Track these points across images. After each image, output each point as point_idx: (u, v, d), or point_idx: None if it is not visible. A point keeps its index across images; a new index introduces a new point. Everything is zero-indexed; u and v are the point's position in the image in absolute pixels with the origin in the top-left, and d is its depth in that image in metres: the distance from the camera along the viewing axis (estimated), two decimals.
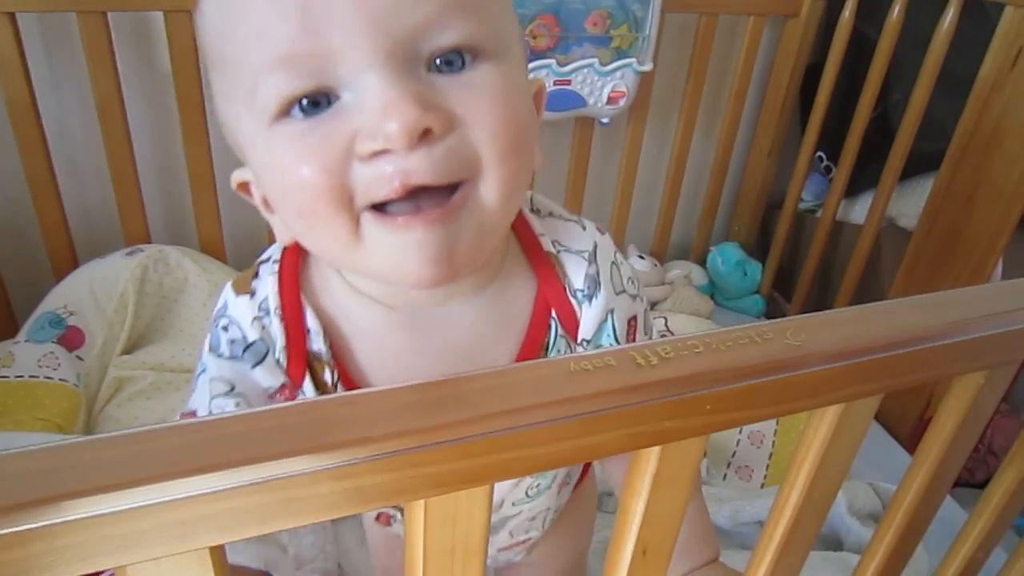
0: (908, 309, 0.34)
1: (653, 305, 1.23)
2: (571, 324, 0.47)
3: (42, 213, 0.96)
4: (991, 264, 0.98)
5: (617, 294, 0.48)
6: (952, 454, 0.41)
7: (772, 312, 1.35)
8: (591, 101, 1.05)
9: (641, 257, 1.27)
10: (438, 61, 0.35)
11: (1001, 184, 0.95)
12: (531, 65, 1.00)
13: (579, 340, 0.47)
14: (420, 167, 0.34)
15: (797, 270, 1.30)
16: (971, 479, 1.13)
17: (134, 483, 0.22)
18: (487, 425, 0.25)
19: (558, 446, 0.27)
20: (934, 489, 0.42)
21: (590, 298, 0.47)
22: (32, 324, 0.90)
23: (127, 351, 0.93)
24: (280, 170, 0.36)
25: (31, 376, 0.85)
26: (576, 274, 0.47)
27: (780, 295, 1.37)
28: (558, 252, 0.47)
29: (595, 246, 0.48)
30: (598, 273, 0.47)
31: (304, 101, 0.34)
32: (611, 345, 0.48)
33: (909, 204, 1.16)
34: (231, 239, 1.07)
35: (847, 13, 1.13)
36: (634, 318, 0.49)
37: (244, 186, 0.43)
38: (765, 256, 1.34)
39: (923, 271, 1.06)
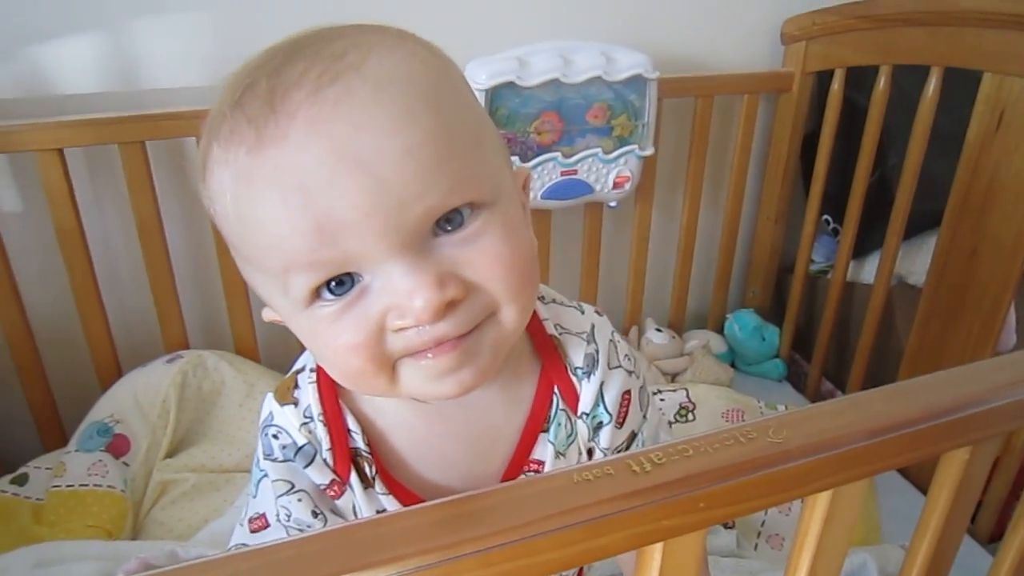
0: (883, 399, 0.37)
1: (674, 377, 1.26)
2: (572, 399, 0.52)
3: (88, 326, 1.02)
4: (1000, 316, 1.00)
5: (611, 368, 0.53)
6: (950, 525, 0.43)
7: (794, 375, 1.37)
8: (598, 188, 1.11)
9: (659, 330, 1.30)
10: (440, 221, 0.38)
11: (1001, 238, 0.98)
12: (538, 159, 1.05)
13: (579, 413, 0.52)
14: (448, 330, 0.39)
15: (814, 332, 1.32)
16: None
17: None
18: (502, 537, 0.29)
19: (567, 550, 0.30)
20: (939, 558, 0.44)
21: (588, 375, 0.52)
22: (81, 433, 0.95)
23: (170, 455, 0.98)
24: (322, 343, 0.41)
25: (81, 485, 0.90)
26: (576, 354, 0.53)
27: (800, 357, 1.39)
28: (560, 335, 0.53)
29: (592, 327, 0.54)
30: (597, 351, 0.53)
31: (332, 283, 0.38)
32: (607, 418, 0.53)
33: (916, 262, 1.19)
34: (264, 339, 1.12)
35: (836, 85, 1.18)
36: (628, 392, 0.54)
37: (274, 321, 0.47)
38: (781, 320, 1.36)
39: (936, 326, 1.08)
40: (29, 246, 1.01)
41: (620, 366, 0.53)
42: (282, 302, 0.41)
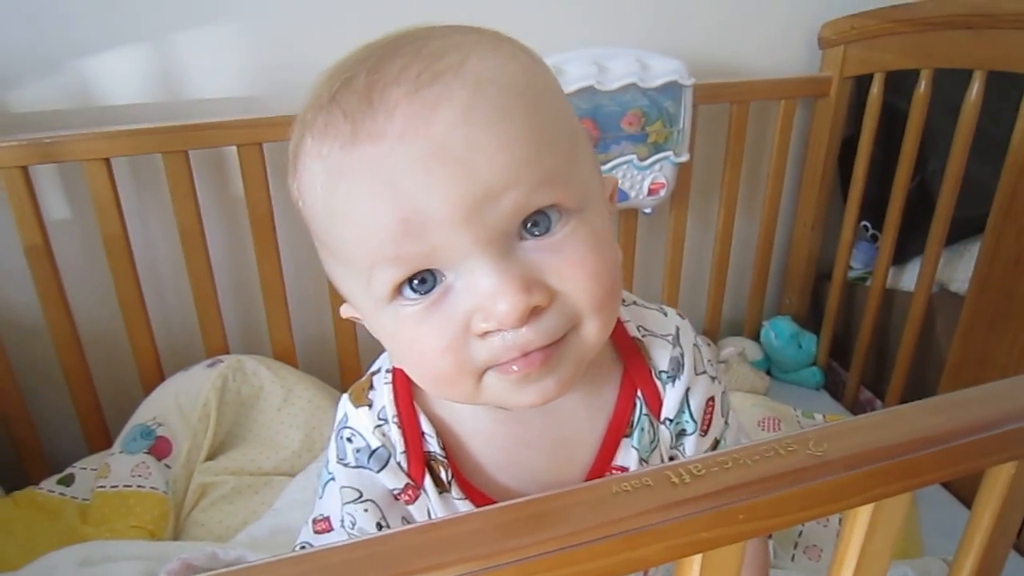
0: (926, 412, 0.37)
1: None
2: (655, 404, 0.51)
3: (132, 331, 1.04)
4: None
5: (698, 374, 0.52)
6: (996, 540, 0.42)
7: (831, 383, 1.35)
8: (632, 194, 1.11)
9: None
10: (527, 224, 0.38)
11: None
12: None
13: (662, 419, 0.51)
14: (533, 338, 0.38)
15: (852, 340, 1.30)
16: None
17: None
18: (542, 547, 0.29)
19: (606, 561, 0.30)
20: (984, 575, 0.43)
21: (673, 379, 0.51)
22: (125, 436, 0.97)
23: (210, 458, 0.99)
24: (405, 342, 0.41)
25: (125, 486, 0.92)
26: (661, 357, 0.51)
27: (838, 365, 1.37)
28: (643, 337, 0.52)
29: (677, 330, 0.53)
30: (682, 355, 0.51)
31: (415, 281, 0.38)
32: (691, 426, 0.52)
33: (959, 269, 1.16)
34: (301, 345, 1.14)
35: (875, 90, 1.17)
36: (712, 399, 0.53)
37: (353, 318, 0.47)
38: (818, 327, 1.34)
39: (978, 335, 1.06)
40: (76, 252, 1.04)
41: (705, 372, 0.52)
42: (364, 299, 0.41)
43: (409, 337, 0.40)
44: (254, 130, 0.98)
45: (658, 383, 0.51)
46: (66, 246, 1.01)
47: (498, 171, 0.36)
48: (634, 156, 1.08)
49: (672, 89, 1.06)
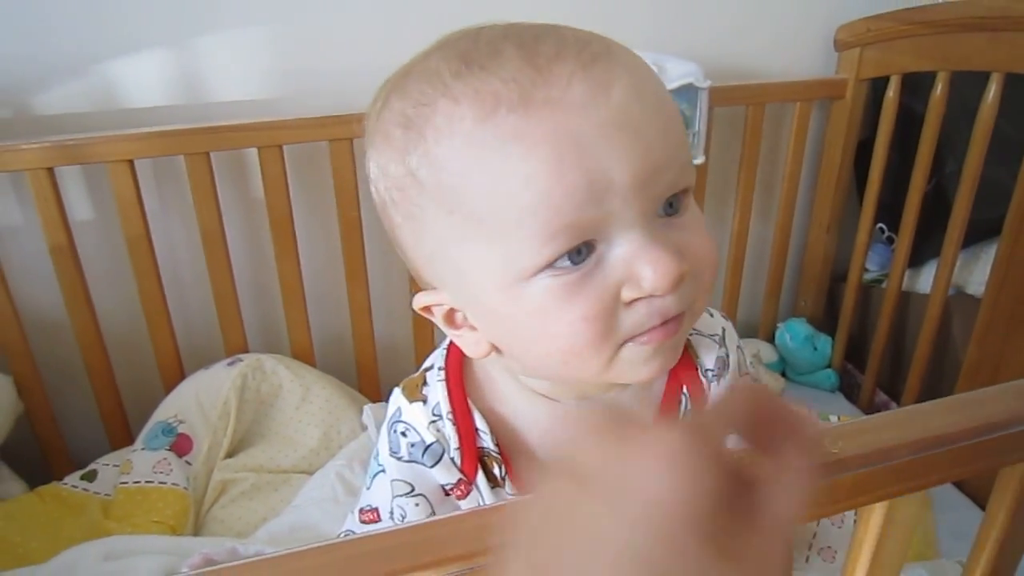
0: (941, 411, 0.37)
1: None
2: (699, 401, 0.52)
3: (153, 331, 1.06)
4: None
5: (741, 375, 0.54)
6: (1009, 541, 0.42)
7: (847, 386, 1.35)
8: None
9: None
10: (666, 204, 0.40)
11: None
12: None
13: None
14: (675, 305, 0.40)
15: (868, 342, 1.30)
16: None
17: None
18: None
19: None
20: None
21: (719, 378, 0.53)
22: (147, 433, 0.99)
23: (230, 455, 1.01)
24: (545, 315, 0.40)
25: (147, 481, 0.94)
26: (708, 356, 0.53)
27: (853, 367, 1.37)
28: (691, 335, 0.53)
29: (723, 331, 0.54)
30: (727, 355, 0.53)
31: (576, 252, 0.39)
32: None
33: (976, 271, 1.16)
34: (319, 344, 1.15)
35: (891, 92, 1.17)
36: None
37: (427, 308, 0.47)
38: (834, 330, 1.34)
39: (995, 338, 1.06)
40: (99, 252, 1.06)
41: (748, 373, 0.55)
42: (500, 274, 0.40)
43: (555, 308, 0.39)
44: (274, 132, 1.00)
45: (704, 381, 0.53)
46: (89, 246, 1.03)
47: (665, 148, 0.38)
48: None
49: (688, 92, 1.06)
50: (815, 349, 1.31)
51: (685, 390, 0.52)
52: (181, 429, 0.99)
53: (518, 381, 0.50)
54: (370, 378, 1.17)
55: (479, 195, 0.38)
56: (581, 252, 0.39)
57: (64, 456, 1.07)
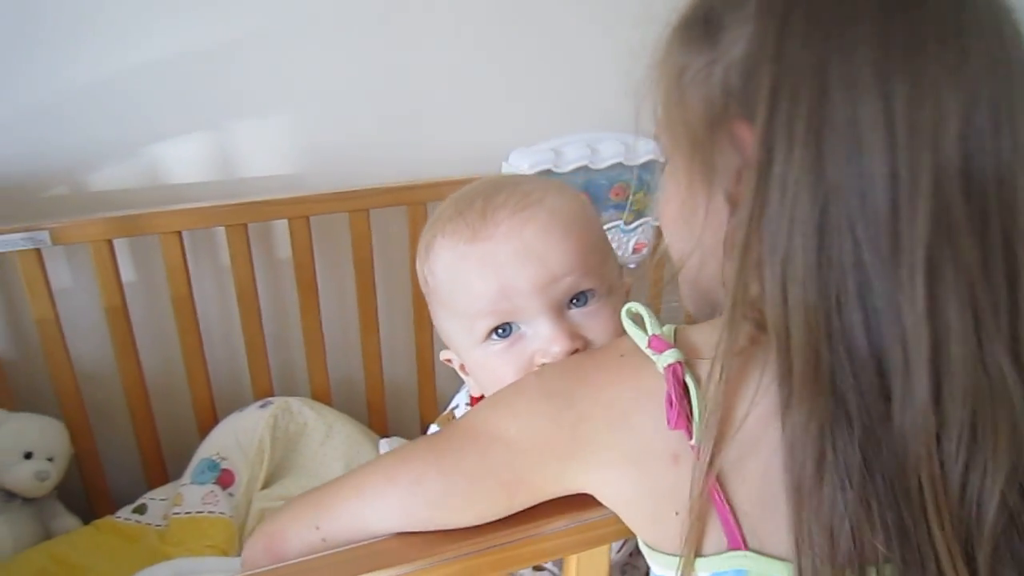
0: None
1: None
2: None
3: (192, 379, 1.20)
4: None
5: None
6: None
7: None
8: (620, 253, 1.30)
9: None
10: (574, 300, 0.59)
11: None
12: None
13: None
14: None
15: None
16: None
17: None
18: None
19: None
20: None
21: None
22: (194, 468, 1.13)
23: (265, 486, 1.15)
24: (491, 371, 0.61)
25: (197, 512, 1.07)
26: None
27: None
28: None
29: None
30: None
31: (500, 329, 0.59)
32: None
33: None
34: (335, 386, 1.30)
35: None
36: None
37: (448, 360, 0.67)
38: None
39: None
40: (146, 311, 1.19)
41: None
42: (465, 340, 0.61)
43: (493, 366, 0.60)
44: (303, 205, 1.16)
45: None
46: (137, 306, 1.17)
47: (563, 265, 0.57)
48: (621, 221, 1.28)
49: (652, 165, 1.26)
50: None
51: None
52: (224, 465, 1.13)
53: None
54: (379, 416, 1.33)
55: (450, 293, 0.60)
56: (505, 330, 0.58)
57: (106, 495, 1.19)
